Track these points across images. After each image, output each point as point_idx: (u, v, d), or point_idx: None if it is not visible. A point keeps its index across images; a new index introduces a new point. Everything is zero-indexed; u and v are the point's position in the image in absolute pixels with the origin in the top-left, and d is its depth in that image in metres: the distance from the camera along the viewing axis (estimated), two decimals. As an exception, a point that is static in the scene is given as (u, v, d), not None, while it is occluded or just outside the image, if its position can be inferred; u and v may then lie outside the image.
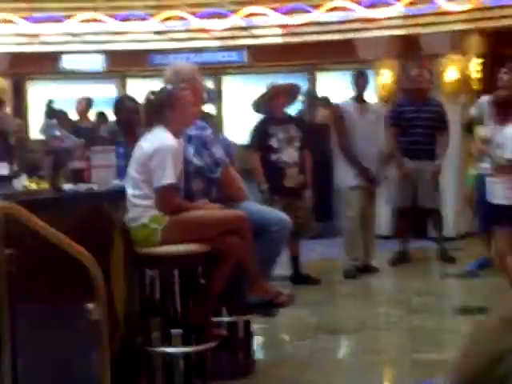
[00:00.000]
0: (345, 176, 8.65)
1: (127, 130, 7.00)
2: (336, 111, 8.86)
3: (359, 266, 8.58)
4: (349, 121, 8.60)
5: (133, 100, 7.39)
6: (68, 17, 12.23)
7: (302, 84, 9.96)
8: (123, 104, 7.43)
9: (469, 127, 8.35)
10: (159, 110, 4.87)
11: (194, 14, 11.87)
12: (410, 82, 9.33)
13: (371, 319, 6.99)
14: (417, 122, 8.93)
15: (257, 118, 8.26)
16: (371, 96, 11.11)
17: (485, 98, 7.98)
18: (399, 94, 10.79)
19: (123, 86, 13.30)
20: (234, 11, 11.65)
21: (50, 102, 12.12)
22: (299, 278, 8.24)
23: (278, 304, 5.19)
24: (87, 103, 11.41)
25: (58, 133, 10.19)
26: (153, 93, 4.99)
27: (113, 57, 12.58)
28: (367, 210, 8.73)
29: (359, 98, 8.74)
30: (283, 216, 5.35)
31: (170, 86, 5.00)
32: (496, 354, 0.55)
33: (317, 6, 11.29)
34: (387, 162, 8.93)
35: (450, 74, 10.81)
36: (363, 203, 8.65)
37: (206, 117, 9.65)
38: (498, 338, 0.56)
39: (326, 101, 10.86)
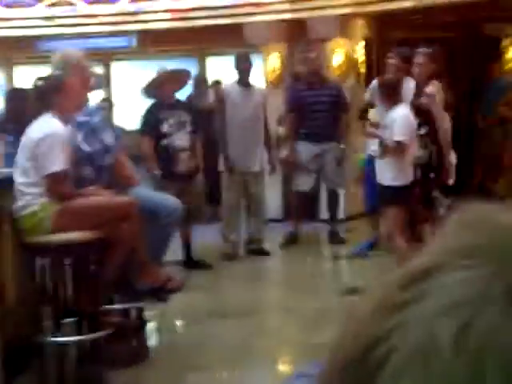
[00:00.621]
0: (223, 160, 8.71)
1: (16, 118, 6.88)
2: (218, 95, 8.88)
3: (236, 250, 8.69)
4: (232, 104, 8.63)
5: (22, 89, 7.27)
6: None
7: (192, 68, 9.95)
8: (13, 92, 7.31)
9: (364, 111, 8.51)
10: (47, 97, 4.81)
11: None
12: (306, 64, 9.39)
13: (262, 302, 7.10)
14: (317, 106, 9.02)
15: (147, 103, 8.22)
16: (259, 80, 11.23)
17: (375, 82, 8.16)
18: (290, 78, 10.92)
19: (10, 72, 13.02)
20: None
21: None
22: (191, 262, 8.27)
23: (169, 289, 5.20)
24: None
25: None
26: (40, 79, 4.92)
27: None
28: (251, 194, 8.79)
29: (243, 82, 8.77)
30: (174, 201, 5.37)
31: (57, 73, 4.94)
32: (370, 339, 0.53)
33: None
34: (282, 145, 9.03)
35: (337, 57, 10.99)
36: (245, 188, 8.70)
37: (102, 102, 9.64)
38: (372, 322, 0.54)
39: (217, 84, 10.89)
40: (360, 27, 11.25)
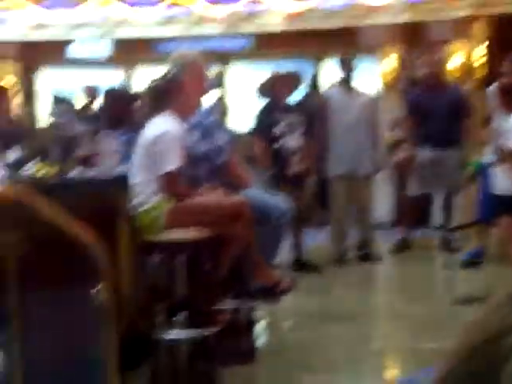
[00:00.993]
0: (330, 164, 8.67)
1: (117, 118, 7.07)
2: (321, 98, 8.83)
3: (348, 254, 8.66)
4: (334, 109, 8.59)
5: (125, 90, 7.46)
6: (77, 3, 12.25)
7: (306, 71, 9.96)
8: (116, 94, 7.48)
9: (488, 118, 8.31)
10: (163, 97, 4.90)
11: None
12: (425, 67, 9.24)
13: (371, 307, 7.05)
14: (436, 110, 8.83)
15: (261, 105, 8.28)
16: (374, 83, 11.16)
17: (494, 87, 7.98)
18: (408, 81, 10.80)
19: (130, 73, 13.34)
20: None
21: (56, 89, 12.14)
22: (301, 265, 8.29)
23: (280, 291, 5.23)
24: (93, 91, 11.43)
25: (65, 120, 10.21)
26: (156, 79, 5.01)
27: (120, 44, 12.61)
28: (359, 199, 8.73)
29: (346, 84, 8.72)
30: (286, 203, 5.39)
31: (173, 72, 5.02)
32: (504, 327, 0.56)
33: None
34: (397, 149, 8.92)
35: (455, 60, 10.82)
36: (353, 192, 8.65)
37: (215, 103, 9.76)
38: (505, 313, 0.57)
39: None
40: (479, 29, 11.03)
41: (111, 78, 12.89)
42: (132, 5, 12.16)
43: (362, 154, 8.63)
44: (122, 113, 7.02)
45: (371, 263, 8.64)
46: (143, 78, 11.10)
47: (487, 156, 7.99)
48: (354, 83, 8.77)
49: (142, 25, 12.20)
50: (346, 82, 8.70)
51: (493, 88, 8.16)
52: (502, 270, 7.40)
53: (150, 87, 5.02)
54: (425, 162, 8.98)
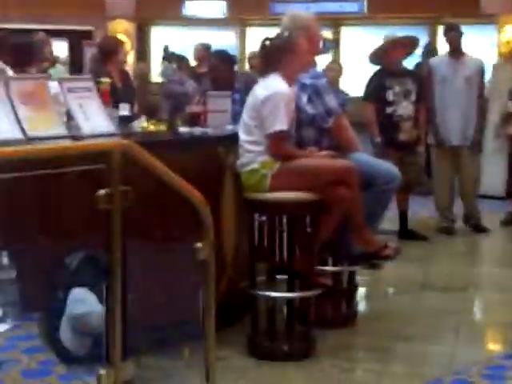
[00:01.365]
0: (432, 135, 8.51)
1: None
2: (426, 67, 8.61)
3: (452, 225, 8.51)
4: (441, 77, 8.38)
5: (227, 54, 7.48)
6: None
7: (422, 37, 9.78)
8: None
9: None
10: (275, 57, 4.89)
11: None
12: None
13: (477, 278, 6.93)
14: None
15: (373, 70, 8.18)
16: (492, 52, 10.88)
17: None
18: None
19: (243, 33, 13.37)
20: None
21: (167, 47, 12.29)
22: (406, 233, 8.21)
23: (383, 256, 5.18)
24: (205, 49, 11.50)
25: (177, 77, 10.35)
26: (268, 39, 5.00)
27: (234, 4, 12.64)
28: (463, 169, 8.54)
29: (454, 53, 8.49)
30: (394, 169, 5.32)
31: (286, 33, 5.01)
32: None
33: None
34: (509, 120, 8.69)
35: None
36: (458, 162, 8.46)
37: (329, 66, 9.69)
38: None
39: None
40: None
41: (224, 38, 12.97)
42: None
43: (467, 123, 8.42)
44: (223, 75, 7.07)
45: (479, 235, 8.49)
46: (256, 38, 11.12)
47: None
48: (463, 51, 8.54)
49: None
50: (453, 51, 8.48)
51: None
52: None
53: (262, 46, 5.00)
54: None
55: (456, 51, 8.49)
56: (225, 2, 12.90)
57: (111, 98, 5.59)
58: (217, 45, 11.91)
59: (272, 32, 5.16)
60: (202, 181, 3.45)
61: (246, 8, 12.59)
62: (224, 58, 7.30)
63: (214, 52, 7.93)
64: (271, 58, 4.91)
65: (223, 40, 12.78)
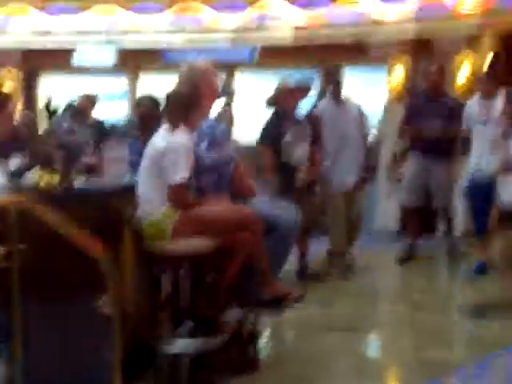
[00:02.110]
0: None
1: (144, 126, 7.06)
2: (313, 114, 8.75)
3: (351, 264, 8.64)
4: (326, 121, 8.51)
5: (153, 98, 7.45)
6: (82, 10, 12.26)
7: (315, 82, 9.93)
8: (145, 100, 7.47)
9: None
10: (176, 109, 4.89)
11: (208, 7, 11.84)
12: (427, 78, 9.25)
13: (377, 317, 7.01)
14: (433, 121, 8.87)
15: (268, 114, 8.26)
16: (383, 94, 11.16)
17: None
18: (413, 92, 10.80)
19: (135, 81, 13.35)
20: (247, 7, 11.64)
21: (50, 98, 12.08)
22: (306, 274, 8.26)
23: (289, 300, 5.20)
24: (92, 99, 11.37)
25: (68, 126, 10.21)
26: (173, 91, 5.00)
27: (127, 51, 12.62)
28: (351, 209, 8.69)
29: (336, 97, 8.68)
30: (294, 212, 5.37)
31: (190, 85, 5.02)
32: None
33: (332, 1, 11.23)
34: (400, 160, 8.90)
35: (463, 72, 10.80)
36: (346, 204, 8.63)
37: (221, 112, 9.76)
38: None
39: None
40: (487, 42, 11.01)
41: (116, 85, 12.91)
42: (138, 11, 12.14)
43: (351, 164, 8.59)
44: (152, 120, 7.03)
45: (377, 272, 8.62)
46: (148, 86, 11.14)
47: (487, 167, 8.03)
48: (344, 94, 8.72)
49: (149, 33, 12.20)
50: (335, 94, 8.67)
51: (500, 99, 8.23)
52: (506, 282, 7.38)
53: (167, 97, 5.00)
54: (415, 171, 8.99)
55: (337, 95, 8.65)
56: (115, 50, 12.84)
57: (2, 153, 5.47)
58: (108, 92, 11.88)
59: (165, 79, 5.17)
60: (100, 234, 3.40)
61: (138, 55, 12.58)
62: (154, 105, 7.20)
63: (143, 98, 7.81)
64: (173, 109, 4.90)
65: (115, 87, 12.75)
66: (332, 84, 8.65)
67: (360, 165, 8.67)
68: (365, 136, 8.82)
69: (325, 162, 8.45)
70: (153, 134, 5.17)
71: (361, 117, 8.77)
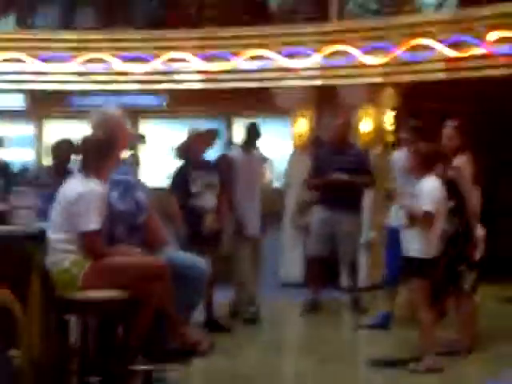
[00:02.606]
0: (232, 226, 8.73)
1: (61, 171, 6.99)
2: (224, 161, 8.85)
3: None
4: (237, 170, 8.65)
5: (71, 142, 7.38)
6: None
7: (220, 130, 10.00)
8: (63, 144, 7.40)
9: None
10: (95, 155, 4.83)
11: (115, 56, 11.84)
12: (332, 130, 9.41)
13: (283, 368, 7.00)
14: (339, 171, 8.99)
15: (176, 162, 8.26)
16: (287, 145, 11.31)
17: (402, 151, 8.21)
18: (314, 144, 10.98)
19: (41, 126, 13.18)
20: (155, 56, 11.67)
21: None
22: (213, 324, 8.21)
23: (198, 352, 5.16)
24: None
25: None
26: (89, 137, 4.94)
27: (33, 97, 12.45)
28: (256, 258, 8.76)
29: (248, 148, 8.81)
30: (203, 262, 5.36)
31: (105, 131, 4.97)
32: None
33: (237, 54, 11.41)
34: (305, 210, 9.01)
35: (366, 125, 11.05)
36: (253, 252, 8.68)
37: (132, 160, 9.71)
38: None
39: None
40: (389, 96, 11.31)
41: (23, 130, 12.71)
42: (44, 60, 12.03)
43: (254, 216, 8.69)
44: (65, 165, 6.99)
45: (282, 323, 8.64)
46: (55, 131, 11.00)
47: (394, 219, 8.18)
48: (257, 147, 8.86)
49: (57, 78, 12.07)
50: (247, 145, 8.79)
51: (400, 153, 8.45)
52: (410, 333, 7.50)
53: (82, 143, 4.93)
54: (321, 222, 9.13)
55: (249, 147, 8.77)
56: (22, 95, 12.65)
57: None
58: (16, 137, 11.71)
59: (71, 124, 5.12)
60: (7, 281, 3.31)
61: (45, 100, 12.43)
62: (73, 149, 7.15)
63: (61, 142, 7.71)
64: (85, 158, 4.84)
65: (22, 132, 12.58)
66: (249, 135, 8.78)
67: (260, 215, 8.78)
68: (269, 185, 8.95)
69: (235, 211, 8.51)
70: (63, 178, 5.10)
71: (265, 167, 8.91)
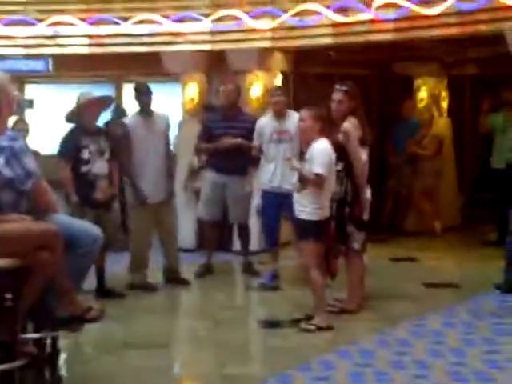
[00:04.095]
0: (130, 194, 8.67)
1: None
2: (122, 128, 8.74)
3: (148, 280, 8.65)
4: (136, 136, 8.56)
5: None
6: None
7: (110, 95, 9.85)
8: None
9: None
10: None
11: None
12: (221, 96, 9.41)
13: (178, 333, 7.04)
14: (228, 137, 9.02)
15: (64, 128, 8.11)
16: (177, 109, 11.24)
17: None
18: (204, 109, 10.96)
19: None
20: (40, 20, 11.37)
21: None
22: (104, 291, 8.16)
23: (88, 319, 5.11)
24: None
25: None
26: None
27: None
28: (163, 223, 8.73)
29: (145, 112, 8.71)
30: (95, 229, 5.28)
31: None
32: None
33: (125, 18, 11.24)
34: (196, 175, 9.00)
35: (255, 90, 11.07)
36: (156, 218, 8.64)
37: (19, 125, 9.49)
38: None
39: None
40: (278, 61, 11.36)
41: None
42: None
43: (161, 179, 8.62)
44: None
45: (174, 288, 8.64)
46: None
47: (280, 184, 8.32)
48: (153, 109, 8.75)
49: None
50: (143, 110, 8.68)
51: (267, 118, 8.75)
52: (301, 293, 7.64)
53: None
54: (213, 187, 9.16)
55: (146, 110, 8.67)
56: None
57: None
58: None
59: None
60: None
61: None
62: None
63: None
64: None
65: None
66: (142, 99, 8.64)
67: (167, 178, 8.72)
68: (169, 148, 8.87)
69: (134, 178, 8.43)
70: None
71: (167, 128, 8.82)
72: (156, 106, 8.86)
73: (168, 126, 8.87)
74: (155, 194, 8.58)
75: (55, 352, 5.42)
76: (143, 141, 8.54)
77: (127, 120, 8.88)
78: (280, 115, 8.70)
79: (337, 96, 7.49)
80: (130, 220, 8.80)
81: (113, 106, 10.16)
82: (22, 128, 9.69)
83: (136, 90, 8.75)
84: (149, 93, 8.70)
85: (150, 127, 8.65)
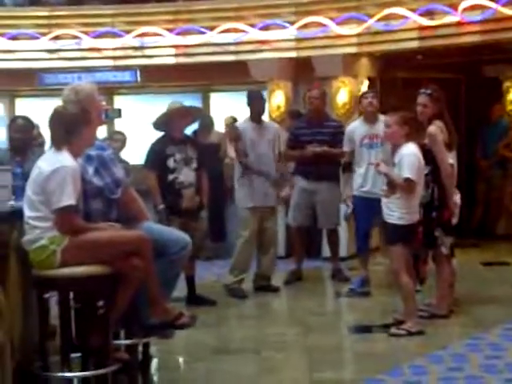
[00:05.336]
0: (242, 197, 8.70)
1: (20, 150, 6.95)
2: (233, 131, 8.84)
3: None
4: (247, 141, 8.64)
5: (27, 119, 7.32)
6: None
7: (195, 104, 9.95)
8: (18, 123, 7.32)
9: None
10: (65, 130, 4.77)
11: (86, 33, 11.74)
12: (308, 102, 9.41)
13: (268, 339, 7.01)
14: (315, 145, 9.02)
15: (152, 137, 8.21)
16: (264, 116, 11.27)
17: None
18: (291, 116, 10.96)
19: (11, 105, 13.05)
20: (127, 31, 11.57)
21: None
22: (194, 298, 8.22)
23: (179, 326, 5.15)
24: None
25: None
26: (58, 111, 4.87)
27: (1, 75, 12.30)
28: (266, 229, 8.75)
29: (256, 118, 8.79)
30: (184, 236, 5.34)
31: (76, 106, 4.91)
32: None
33: (210, 28, 11.36)
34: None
35: (341, 96, 11.04)
36: (261, 224, 8.68)
37: (116, 136, 9.68)
38: None
39: (233, 121, 10.75)
40: (364, 66, 11.30)
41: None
42: (12, 38, 11.90)
43: (268, 186, 8.68)
44: (24, 142, 6.96)
45: (265, 295, 8.65)
46: (26, 110, 10.87)
47: (371, 189, 8.26)
48: (263, 116, 8.85)
49: (26, 56, 11.94)
50: (255, 117, 8.75)
51: (358, 122, 8.74)
52: (391, 299, 7.56)
53: (51, 117, 4.86)
54: (301, 193, 9.17)
55: (257, 117, 8.75)
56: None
57: None
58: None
59: (42, 102, 5.05)
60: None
61: (14, 78, 12.28)
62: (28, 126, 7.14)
63: (15, 119, 7.70)
64: (62, 132, 4.76)
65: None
66: (254, 105, 8.73)
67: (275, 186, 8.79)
68: (279, 156, 8.91)
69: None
70: (27, 155, 5.03)
71: (278, 137, 8.88)
72: (243, 114, 8.92)
73: (278, 136, 8.91)
74: (264, 198, 8.65)
75: (147, 358, 5.51)
76: (254, 146, 8.63)
77: (239, 125, 8.96)
78: (371, 119, 8.66)
79: (421, 100, 7.42)
80: (237, 223, 8.85)
81: (200, 116, 10.25)
82: (119, 139, 9.90)
83: (249, 96, 8.82)
84: (261, 100, 8.80)
85: (261, 133, 8.73)
